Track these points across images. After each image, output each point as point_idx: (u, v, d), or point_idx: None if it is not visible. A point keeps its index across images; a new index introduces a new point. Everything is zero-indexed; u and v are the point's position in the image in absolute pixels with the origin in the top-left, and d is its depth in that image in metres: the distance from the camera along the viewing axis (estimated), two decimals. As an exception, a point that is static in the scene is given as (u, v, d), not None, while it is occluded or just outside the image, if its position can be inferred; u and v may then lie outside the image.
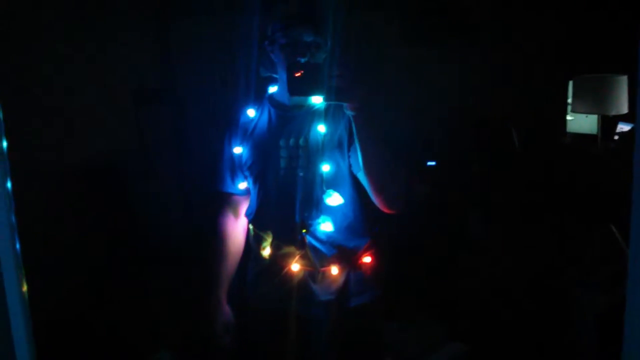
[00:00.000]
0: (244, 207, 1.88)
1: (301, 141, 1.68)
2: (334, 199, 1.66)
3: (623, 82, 3.50)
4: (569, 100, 4.19)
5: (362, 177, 1.65)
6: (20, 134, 2.51)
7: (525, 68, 4.11)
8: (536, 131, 4.11)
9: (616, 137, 4.01)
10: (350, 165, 1.67)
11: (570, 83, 4.04)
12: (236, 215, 1.91)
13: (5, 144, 0.87)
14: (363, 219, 1.75)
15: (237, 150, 1.80)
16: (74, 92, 2.83)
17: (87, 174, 2.89)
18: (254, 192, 1.79)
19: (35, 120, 2.63)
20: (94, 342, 2.56)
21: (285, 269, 1.73)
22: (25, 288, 0.84)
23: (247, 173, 1.80)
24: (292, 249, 1.71)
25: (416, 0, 3.99)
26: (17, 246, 0.85)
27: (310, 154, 1.68)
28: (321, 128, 1.66)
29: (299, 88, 1.50)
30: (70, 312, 2.62)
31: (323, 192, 1.65)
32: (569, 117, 4.26)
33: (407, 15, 4.01)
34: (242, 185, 1.85)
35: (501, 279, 2.80)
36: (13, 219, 0.85)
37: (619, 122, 4.06)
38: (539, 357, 2.56)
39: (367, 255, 1.78)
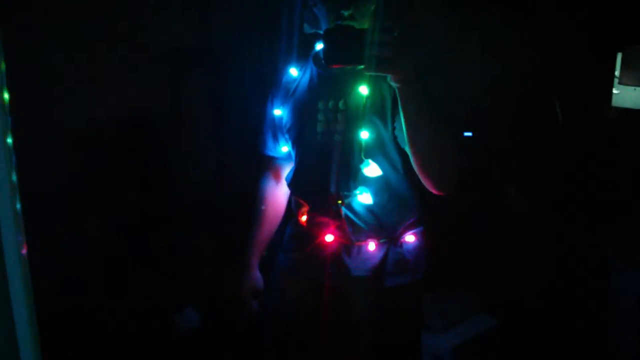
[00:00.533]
0: (286, 171, 1.81)
1: (341, 104, 1.56)
2: (371, 170, 1.53)
3: (676, 53, 3.34)
4: (616, 73, 4.05)
5: (409, 151, 1.49)
6: (50, 94, 2.55)
7: (572, 39, 3.97)
8: (581, 104, 3.99)
9: None
10: (395, 137, 1.54)
11: (619, 55, 3.89)
12: (277, 179, 1.86)
13: (7, 96, 0.83)
14: (410, 193, 1.61)
15: (278, 112, 1.72)
16: (109, 51, 2.82)
17: (119, 135, 2.89)
18: (293, 156, 1.73)
19: (65, 80, 2.63)
20: (120, 297, 2.59)
21: (319, 239, 1.65)
22: (25, 250, 0.82)
23: (287, 136, 1.72)
24: (327, 219, 1.63)
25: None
26: (18, 206, 0.81)
27: (349, 119, 1.56)
28: (363, 89, 1.53)
29: (336, 56, 1.34)
30: (97, 269, 2.65)
31: (361, 161, 1.53)
32: (615, 91, 4.11)
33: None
34: (285, 148, 1.78)
35: (537, 254, 2.74)
36: (14, 177, 0.81)
37: None
38: (575, 336, 2.51)
39: (411, 234, 1.66)
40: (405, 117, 1.39)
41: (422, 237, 1.68)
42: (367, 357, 1.65)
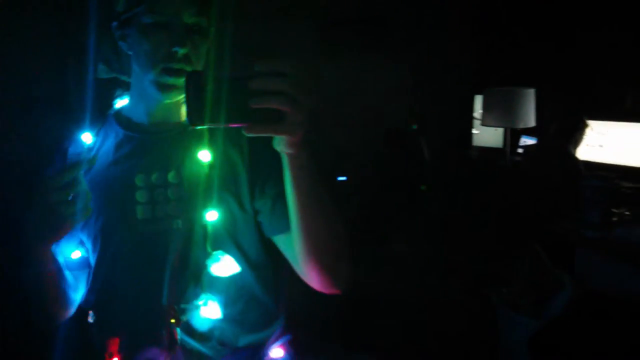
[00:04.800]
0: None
1: (170, 176, 1.12)
2: (224, 266, 1.07)
3: (530, 95, 3.55)
4: (475, 115, 4.27)
5: (283, 243, 1.13)
6: None
7: (435, 82, 4.14)
8: (444, 144, 4.14)
9: (519, 150, 4.11)
10: (256, 222, 1.14)
11: (477, 97, 4.11)
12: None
13: None
14: (272, 296, 1.19)
15: None
16: None
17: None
18: (95, 264, 1.14)
19: None
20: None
21: None
22: None
23: (83, 234, 1.15)
24: (154, 352, 1.09)
25: (329, 13, 3.89)
26: None
27: (187, 196, 1.11)
28: (204, 155, 1.10)
29: (205, 114, 0.87)
30: None
31: (207, 255, 1.08)
32: (474, 131, 4.33)
33: (317, 25, 3.90)
34: (75, 254, 1.15)
35: (423, 298, 2.71)
36: None
37: (522, 136, 4.17)
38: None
39: (278, 346, 1.19)
40: (295, 192, 0.99)
41: (292, 346, 1.21)
42: None
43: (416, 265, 2.86)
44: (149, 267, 1.10)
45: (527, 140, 4.12)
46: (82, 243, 1.17)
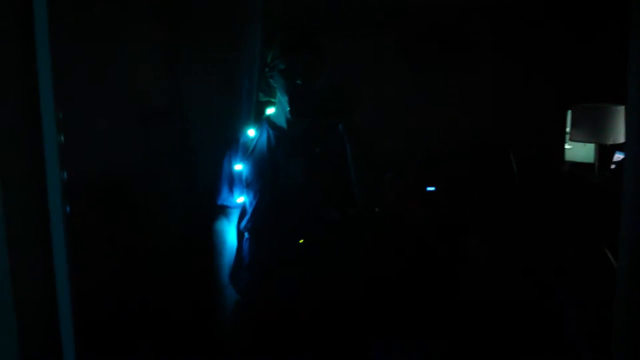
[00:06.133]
0: (236, 216, 2.07)
1: (300, 159, 1.88)
2: (330, 212, 1.85)
3: (620, 111, 3.56)
4: (567, 129, 4.27)
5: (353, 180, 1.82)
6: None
7: (525, 96, 4.18)
8: (535, 158, 4.18)
9: (613, 166, 4.07)
10: (345, 177, 1.83)
11: (569, 112, 4.11)
12: (230, 223, 2.08)
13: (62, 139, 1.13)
14: (345, 227, 1.90)
15: (238, 167, 1.98)
16: (83, 110, 2.86)
17: (92, 192, 2.90)
18: (252, 206, 1.95)
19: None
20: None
21: (284, 269, 1.89)
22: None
23: (247, 189, 1.96)
24: (290, 253, 1.88)
25: (415, 25, 4.09)
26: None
27: (309, 170, 1.86)
28: (318, 146, 1.87)
29: (302, 111, 1.71)
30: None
31: (320, 205, 1.85)
32: (567, 146, 4.32)
33: (404, 39, 4.11)
34: (240, 199, 2.01)
35: (498, 299, 2.83)
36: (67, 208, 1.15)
37: (616, 151, 4.12)
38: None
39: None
40: (352, 156, 1.76)
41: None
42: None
43: (490, 264, 2.99)
44: (286, 211, 1.86)
45: (621, 156, 4.07)
46: (244, 193, 1.97)
